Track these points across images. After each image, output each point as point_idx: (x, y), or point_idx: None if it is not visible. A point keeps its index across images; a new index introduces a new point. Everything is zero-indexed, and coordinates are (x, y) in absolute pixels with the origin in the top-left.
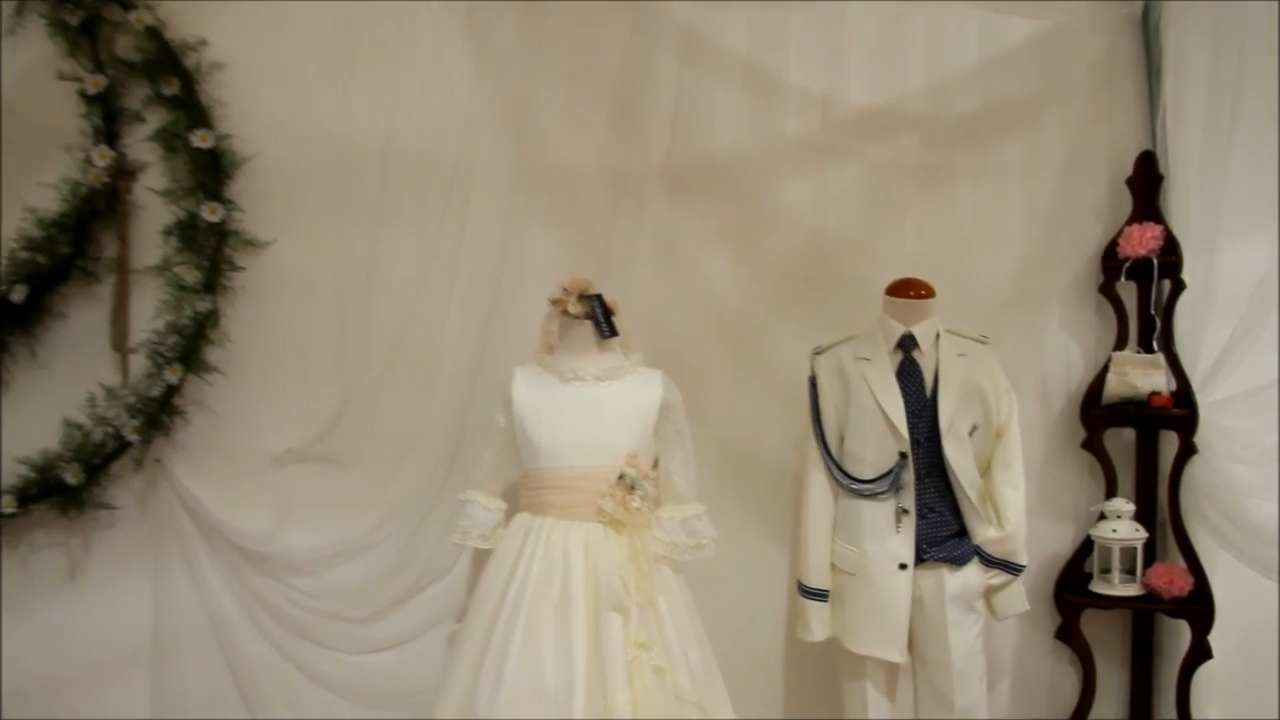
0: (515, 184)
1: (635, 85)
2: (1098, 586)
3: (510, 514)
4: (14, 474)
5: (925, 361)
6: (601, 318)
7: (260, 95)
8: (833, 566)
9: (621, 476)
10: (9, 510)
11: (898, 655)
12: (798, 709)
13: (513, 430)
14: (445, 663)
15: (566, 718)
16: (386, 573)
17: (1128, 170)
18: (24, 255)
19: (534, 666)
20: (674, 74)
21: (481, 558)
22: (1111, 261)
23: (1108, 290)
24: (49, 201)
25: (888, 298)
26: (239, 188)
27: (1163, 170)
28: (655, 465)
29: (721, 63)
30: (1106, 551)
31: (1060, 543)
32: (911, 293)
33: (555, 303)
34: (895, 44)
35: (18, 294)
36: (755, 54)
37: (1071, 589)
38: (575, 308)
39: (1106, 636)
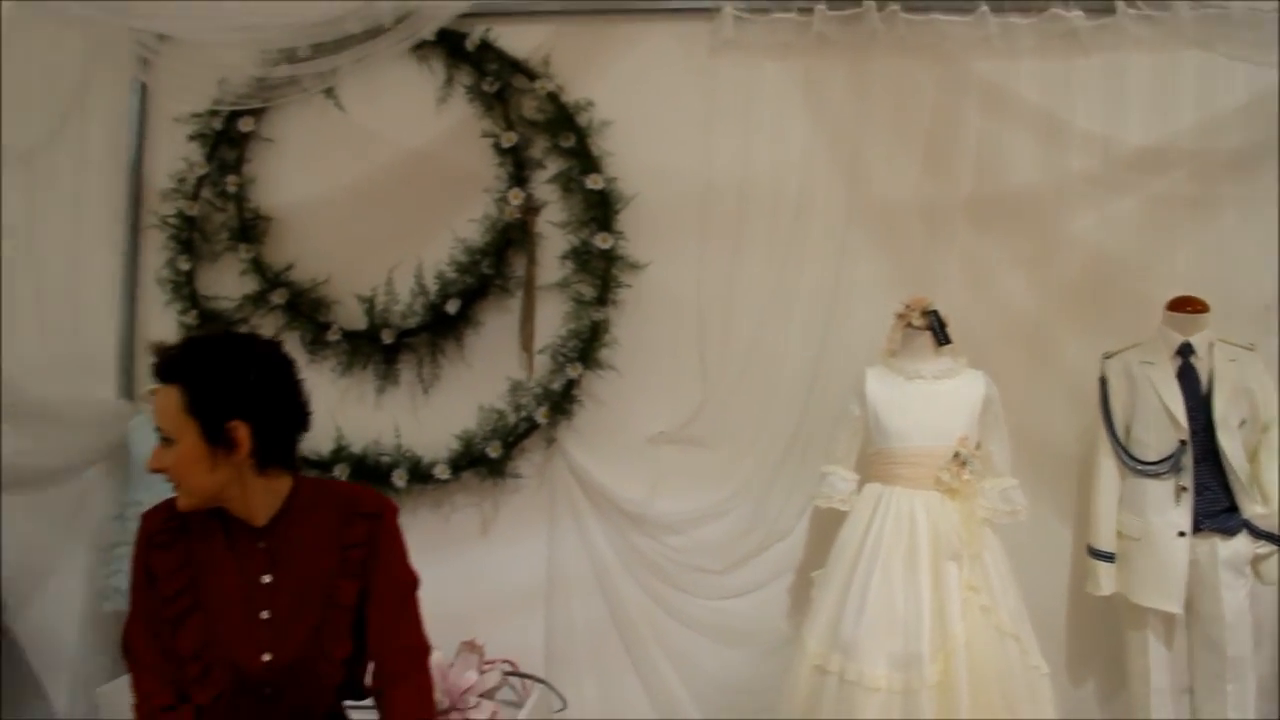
0: (846, 216)
1: (944, 132)
2: None
3: (859, 485)
4: (446, 448)
5: (1201, 365)
6: (939, 329)
7: (638, 146)
8: (1119, 534)
9: (956, 454)
10: (443, 476)
11: (1176, 607)
12: (1077, 658)
13: (865, 417)
14: (812, 600)
15: (915, 643)
16: (739, 533)
17: None
18: (453, 276)
19: (888, 602)
20: (976, 122)
21: (819, 522)
22: None
23: None
24: (473, 233)
25: (1168, 312)
26: (623, 221)
27: None
28: (978, 446)
29: (1016, 111)
30: None
31: None
32: (1189, 308)
33: (900, 316)
34: (1168, 88)
35: (451, 306)
36: (1045, 102)
37: None
38: (917, 320)
39: None
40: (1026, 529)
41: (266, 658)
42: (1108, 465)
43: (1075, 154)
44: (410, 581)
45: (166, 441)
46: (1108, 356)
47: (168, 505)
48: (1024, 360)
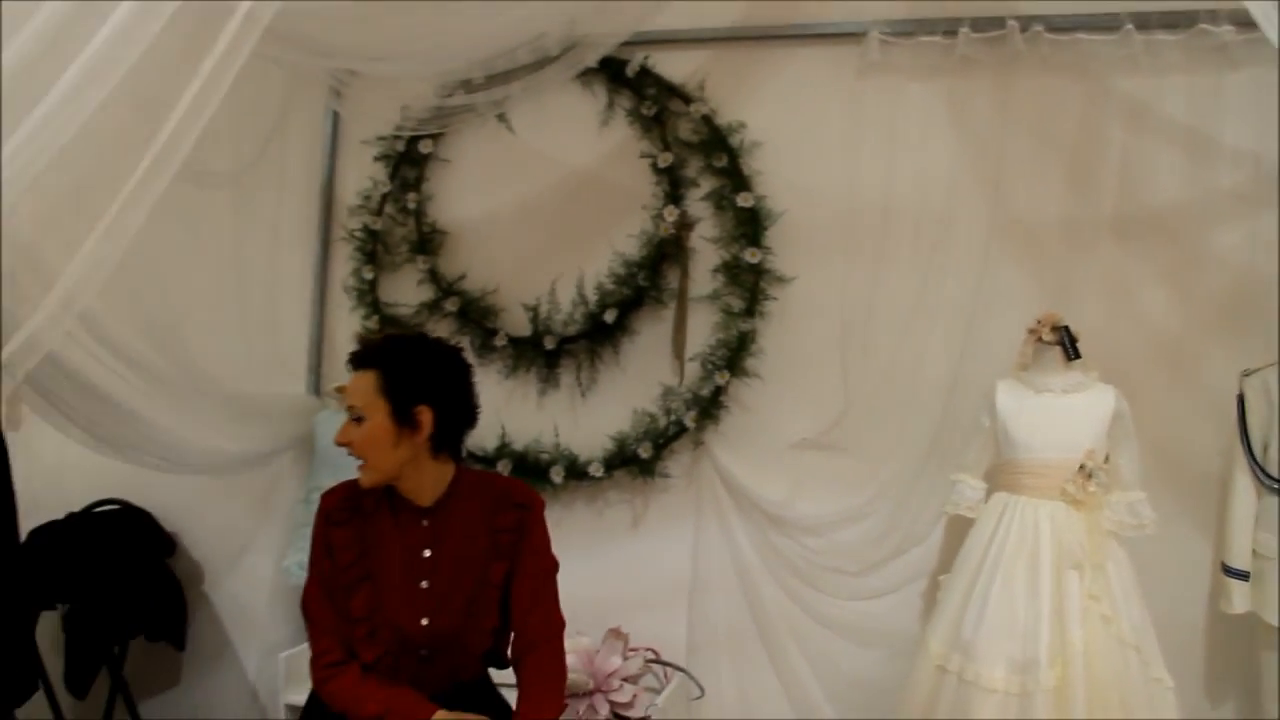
0: (988, 232)
1: (1088, 148)
2: None
3: (987, 494)
4: (601, 448)
5: None
6: (1069, 344)
7: (787, 166)
8: (1254, 552)
9: (1082, 467)
10: (597, 474)
11: None
12: (1217, 678)
13: (995, 429)
14: (938, 602)
15: (1033, 647)
16: (876, 537)
17: None
18: (611, 287)
19: (1009, 607)
20: (1120, 138)
21: (953, 529)
22: None
23: None
24: (631, 248)
25: None
26: (771, 236)
27: None
28: (1106, 459)
29: (1162, 127)
30: None
31: None
32: None
33: (1031, 331)
34: None
35: (609, 316)
36: (1192, 119)
37: None
38: (1048, 336)
39: None
40: (1166, 545)
41: (424, 622)
42: (1243, 482)
43: (1223, 170)
44: (551, 566)
45: (357, 420)
46: (1247, 374)
47: (345, 487)
48: (1165, 377)
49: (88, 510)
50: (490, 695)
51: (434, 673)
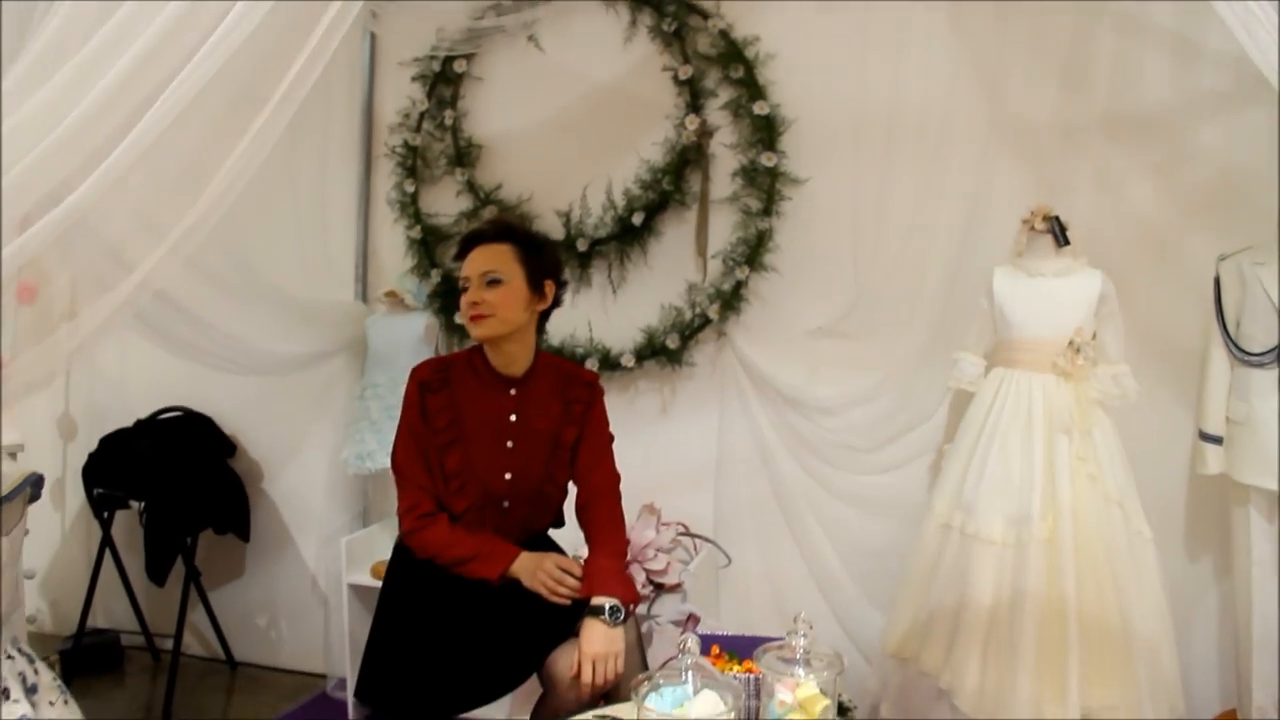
0: (987, 133)
1: (1081, 56)
2: None
3: (985, 370)
4: (632, 340)
5: None
6: (1059, 232)
7: (799, 75)
8: (1226, 419)
9: (1071, 343)
10: (628, 365)
11: (1275, 484)
12: (1194, 536)
13: (992, 311)
14: (941, 469)
15: (1027, 503)
16: (886, 416)
17: None
18: (638, 192)
19: (1005, 469)
20: (1112, 44)
21: (956, 407)
22: None
23: None
24: (655, 155)
25: None
26: (785, 141)
27: None
28: (1094, 336)
29: (1150, 34)
30: None
31: None
32: None
33: (1025, 221)
34: None
35: (636, 219)
36: (1180, 26)
37: None
38: (1040, 225)
39: None
40: (1148, 415)
41: (508, 477)
42: (1219, 357)
43: (1206, 72)
44: (609, 437)
45: (492, 283)
46: (1223, 259)
47: (435, 361)
48: (1149, 262)
49: (153, 417)
50: (553, 545)
51: (511, 523)
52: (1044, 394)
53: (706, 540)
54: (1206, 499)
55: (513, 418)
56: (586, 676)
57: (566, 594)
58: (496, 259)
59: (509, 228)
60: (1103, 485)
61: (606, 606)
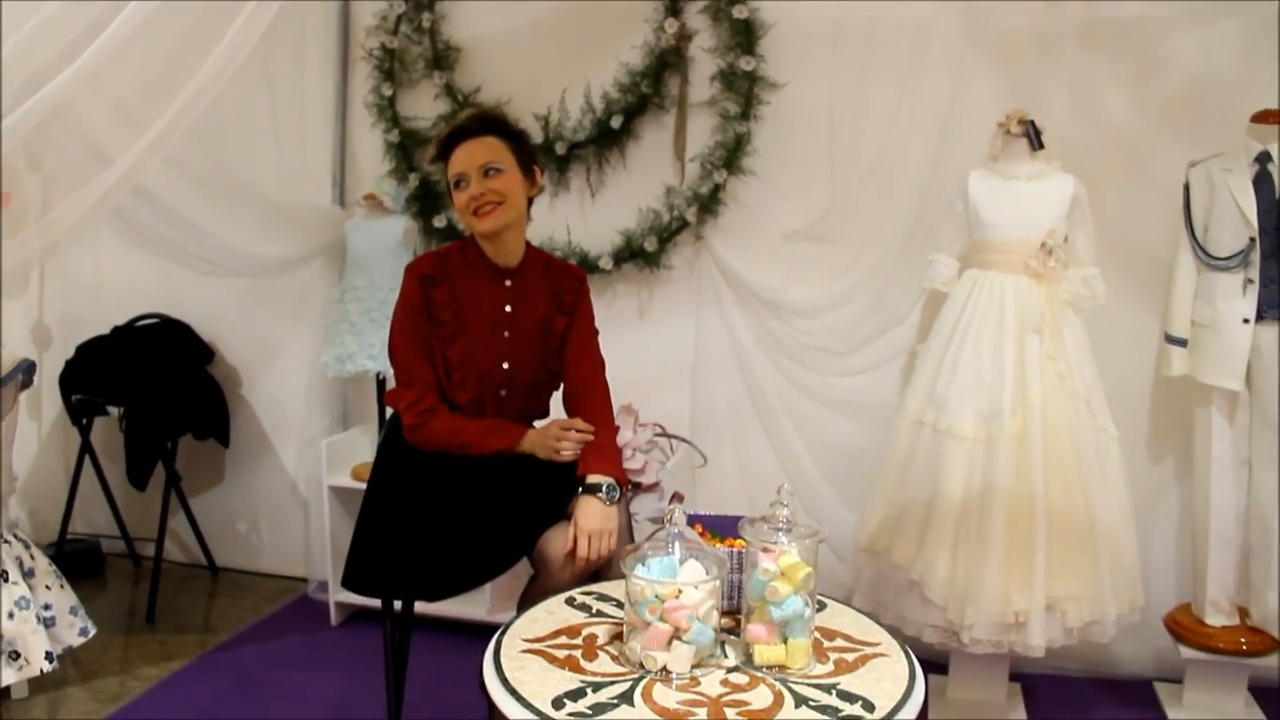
0: (965, 42)
1: None
2: None
3: (959, 272)
4: (610, 243)
5: (1277, 172)
6: (1033, 135)
7: None
8: (1192, 322)
9: (1043, 244)
10: (606, 268)
11: (1237, 385)
12: (1157, 438)
13: (967, 213)
14: (914, 368)
15: (998, 400)
16: (860, 318)
17: None
18: (617, 95)
19: (977, 366)
20: None
21: (929, 310)
22: None
23: None
24: (634, 58)
25: (1251, 124)
26: (764, 46)
27: None
28: (1065, 239)
29: None
30: None
31: None
32: (1271, 119)
33: (1000, 125)
34: None
35: (615, 122)
36: None
37: None
38: (1015, 129)
39: None
40: (1116, 319)
41: (505, 366)
42: (1185, 260)
43: None
44: (595, 330)
45: (493, 174)
46: (1193, 165)
47: (431, 255)
48: (1122, 169)
49: (130, 324)
50: None
51: (509, 413)
52: (1016, 294)
53: (683, 440)
54: (1169, 403)
55: (508, 308)
56: (582, 551)
57: (576, 443)
58: (489, 150)
59: (492, 119)
60: (1071, 383)
61: (604, 484)
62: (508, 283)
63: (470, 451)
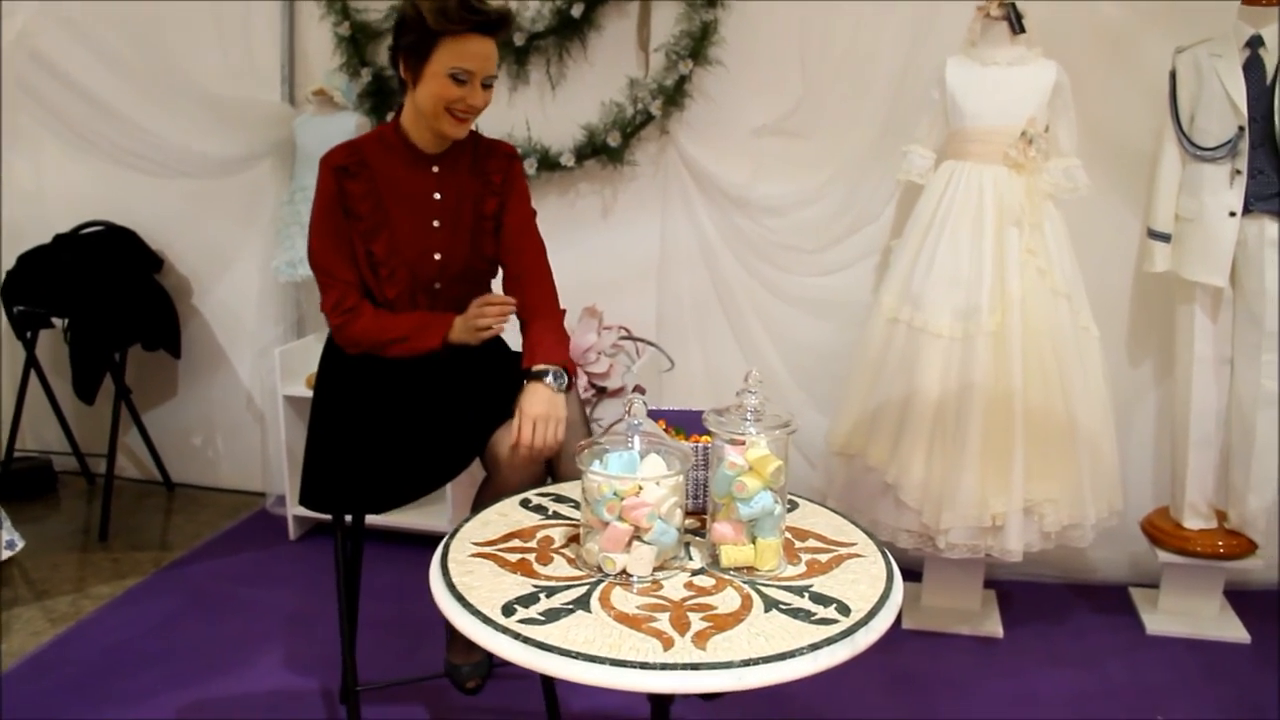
0: None
1: None
2: None
3: (936, 164)
4: (572, 139)
5: (1269, 57)
6: (1014, 18)
7: None
8: (1176, 216)
9: (1023, 133)
10: (568, 164)
11: (1221, 281)
12: (1137, 339)
13: (944, 102)
14: (889, 265)
15: (976, 296)
16: (832, 216)
17: None
18: None
19: (954, 261)
20: None
21: (904, 205)
22: None
23: None
24: None
25: (1243, 6)
26: None
27: None
28: (1046, 129)
29: None
30: None
31: None
32: (1263, 1)
33: (980, 8)
34: None
35: (576, 10)
36: None
37: None
38: (995, 11)
39: None
40: (1098, 213)
41: (437, 257)
42: (1170, 152)
43: None
44: (532, 210)
45: (488, 87)
46: (1180, 51)
47: (345, 146)
48: (1106, 58)
49: (74, 232)
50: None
51: (443, 305)
52: (995, 186)
53: (649, 344)
54: (1150, 302)
55: (436, 195)
56: (526, 438)
57: (497, 316)
58: (494, 58)
59: (509, 25)
60: (1051, 279)
61: (550, 371)
62: (435, 169)
63: (400, 351)
